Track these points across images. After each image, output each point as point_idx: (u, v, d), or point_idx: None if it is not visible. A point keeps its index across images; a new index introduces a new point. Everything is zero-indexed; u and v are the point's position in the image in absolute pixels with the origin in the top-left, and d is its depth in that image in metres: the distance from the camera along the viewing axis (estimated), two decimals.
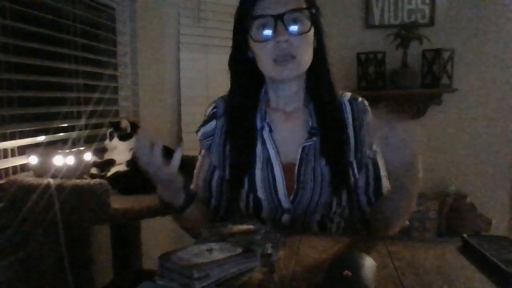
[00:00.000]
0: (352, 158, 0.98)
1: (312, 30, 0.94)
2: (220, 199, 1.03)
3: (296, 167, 0.96)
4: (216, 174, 1.02)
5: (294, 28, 0.91)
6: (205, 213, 1.01)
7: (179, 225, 1.01)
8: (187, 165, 1.13)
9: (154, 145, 0.81)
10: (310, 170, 0.96)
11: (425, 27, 2.71)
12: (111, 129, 1.50)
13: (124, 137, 1.49)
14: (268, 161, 0.97)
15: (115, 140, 1.48)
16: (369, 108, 1.01)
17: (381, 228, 0.96)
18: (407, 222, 1.01)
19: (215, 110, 1.04)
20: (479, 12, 2.73)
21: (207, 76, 2.31)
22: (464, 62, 2.74)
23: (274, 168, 0.96)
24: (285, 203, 0.96)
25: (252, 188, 0.97)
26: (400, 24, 2.72)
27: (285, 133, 0.99)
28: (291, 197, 0.96)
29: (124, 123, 1.49)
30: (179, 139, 2.27)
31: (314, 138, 0.97)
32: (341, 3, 2.85)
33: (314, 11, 0.94)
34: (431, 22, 2.77)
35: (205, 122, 1.04)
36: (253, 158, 0.98)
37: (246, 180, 0.98)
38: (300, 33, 0.91)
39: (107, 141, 1.50)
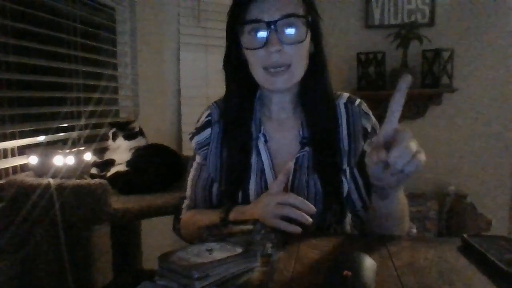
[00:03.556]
0: (345, 166, 0.93)
1: (309, 36, 0.89)
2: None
3: (290, 181, 0.91)
4: (215, 187, 0.99)
5: (288, 36, 0.85)
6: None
7: (182, 235, 0.99)
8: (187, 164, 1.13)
9: None
10: (304, 183, 0.91)
11: (425, 27, 2.71)
12: (113, 129, 1.49)
13: (130, 136, 1.50)
14: (262, 173, 0.94)
15: (120, 140, 1.48)
16: (368, 111, 0.96)
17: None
18: (413, 230, 0.95)
19: (209, 118, 1.00)
20: (479, 12, 2.73)
21: (207, 76, 2.31)
22: (464, 62, 2.74)
23: (268, 182, 0.93)
24: None
25: (246, 201, 0.93)
26: (400, 24, 2.72)
27: (279, 143, 0.95)
28: None
29: (135, 123, 1.52)
30: (179, 139, 2.27)
31: (307, 148, 0.93)
32: (341, 3, 2.85)
33: (310, 18, 0.88)
34: (431, 22, 2.77)
35: (199, 130, 1.00)
36: (248, 170, 0.94)
37: (240, 193, 0.94)
38: (294, 42, 0.85)
39: (110, 141, 1.50)
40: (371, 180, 0.75)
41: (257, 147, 0.95)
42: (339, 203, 0.93)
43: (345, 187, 0.93)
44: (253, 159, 0.95)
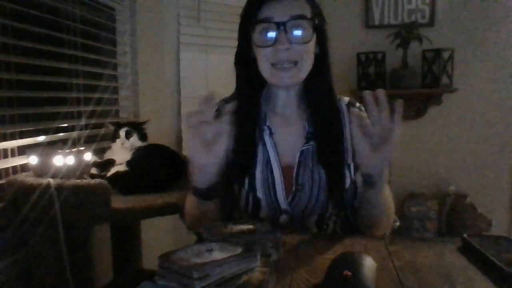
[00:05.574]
0: (350, 160, 1.00)
1: (314, 38, 0.95)
2: (226, 199, 1.03)
3: (295, 170, 0.97)
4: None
5: (296, 36, 0.92)
6: (216, 210, 0.98)
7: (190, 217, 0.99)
8: (187, 164, 1.13)
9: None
10: (308, 173, 0.97)
11: (425, 27, 2.71)
12: (127, 128, 1.49)
13: (144, 136, 1.51)
14: (268, 163, 0.99)
15: (134, 139, 1.48)
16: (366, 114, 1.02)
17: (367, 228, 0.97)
18: (397, 223, 1.01)
19: (217, 113, 1.03)
20: (479, 12, 2.73)
21: (207, 76, 2.31)
22: (464, 62, 2.74)
23: (274, 170, 0.98)
24: (283, 204, 0.97)
25: (252, 188, 0.98)
26: (400, 24, 2.72)
27: (284, 136, 1.01)
28: (289, 198, 0.97)
29: (147, 123, 1.55)
30: (179, 139, 2.27)
31: (311, 142, 0.99)
32: (341, 3, 2.85)
33: (317, 21, 0.94)
34: (431, 22, 2.77)
35: None
36: (255, 159, 0.99)
37: (246, 180, 0.99)
38: (301, 42, 0.92)
39: (122, 140, 1.48)
40: (361, 168, 0.85)
41: (263, 139, 1.00)
42: (341, 192, 0.99)
43: (348, 180, 0.99)
44: (260, 150, 1.00)
